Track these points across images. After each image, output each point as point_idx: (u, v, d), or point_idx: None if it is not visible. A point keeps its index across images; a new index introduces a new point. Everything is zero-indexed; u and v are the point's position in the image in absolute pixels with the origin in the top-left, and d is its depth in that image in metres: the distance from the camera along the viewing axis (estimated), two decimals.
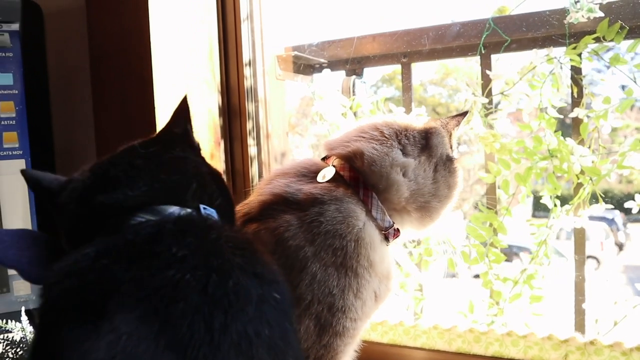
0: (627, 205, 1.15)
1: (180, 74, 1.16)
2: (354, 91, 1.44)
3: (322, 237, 0.78)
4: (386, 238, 0.85)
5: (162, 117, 1.11)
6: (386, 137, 0.85)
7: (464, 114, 0.93)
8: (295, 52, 1.40)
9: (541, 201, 1.26)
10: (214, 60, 1.25)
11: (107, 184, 0.64)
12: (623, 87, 1.16)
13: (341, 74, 1.47)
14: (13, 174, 1.13)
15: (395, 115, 1.03)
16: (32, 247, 0.68)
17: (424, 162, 0.86)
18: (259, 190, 0.85)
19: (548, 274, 1.24)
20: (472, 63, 1.54)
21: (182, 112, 0.71)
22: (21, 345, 1.05)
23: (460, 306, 1.30)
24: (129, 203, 0.62)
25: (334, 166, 0.84)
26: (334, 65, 1.44)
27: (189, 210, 0.63)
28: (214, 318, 0.50)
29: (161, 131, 0.72)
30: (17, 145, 1.14)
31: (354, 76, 1.46)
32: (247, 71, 1.28)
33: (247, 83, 1.28)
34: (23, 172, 0.70)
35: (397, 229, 0.85)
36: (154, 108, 1.10)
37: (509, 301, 1.25)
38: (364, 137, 0.85)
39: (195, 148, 0.73)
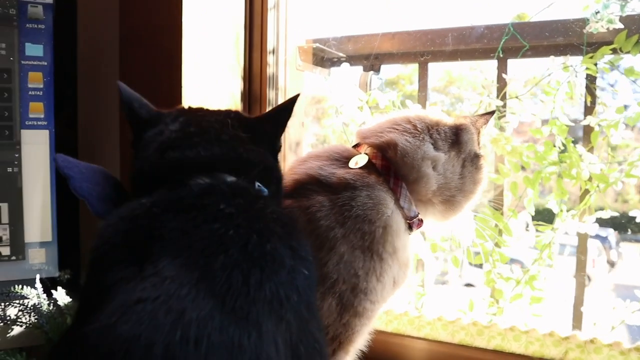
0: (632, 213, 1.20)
1: (208, 57, 1.18)
2: (370, 86, 1.47)
3: (352, 220, 0.81)
4: (410, 227, 0.88)
5: (188, 99, 1.13)
6: (419, 131, 0.88)
7: (492, 113, 0.97)
8: (317, 44, 1.43)
9: (547, 205, 1.31)
10: (239, 46, 1.28)
11: (186, 143, 0.67)
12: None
13: (359, 69, 1.50)
14: (36, 144, 1.14)
15: (427, 110, 1.06)
16: (103, 184, 0.73)
17: (453, 157, 0.89)
18: (293, 169, 0.88)
19: (549, 277, 1.29)
20: (477, 72, 1.59)
21: (284, 113, 0.75)
22: (36, 311, 1.06)
23: (460, 304, 1.34)
24: (197, 165, 0.65)
25: (366, 154, 0.87)
26: (352, 60, 1.47)
27: (245, 180, 0.66)
28: (251, 274, 0.53)
29: (257, 120, 0.75)
30: (42, 116, 1.15)
31: (371, 72, 1.49)
32: (270, 59, 1.30)
33: (270, 71, 1.30)
34: (119, 83, 0.74)
35: (421, 219, 0.88)
36: (181, 89, 1.12)
37: (510, 301, 1.29)
38: (397, 129, 0.88)
39: (276, 151, 0.76)
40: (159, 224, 0.56)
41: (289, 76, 1.36)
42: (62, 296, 1.08)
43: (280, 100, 1.35)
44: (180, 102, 1.12)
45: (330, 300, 0.81)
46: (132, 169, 0.70)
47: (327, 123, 1.55)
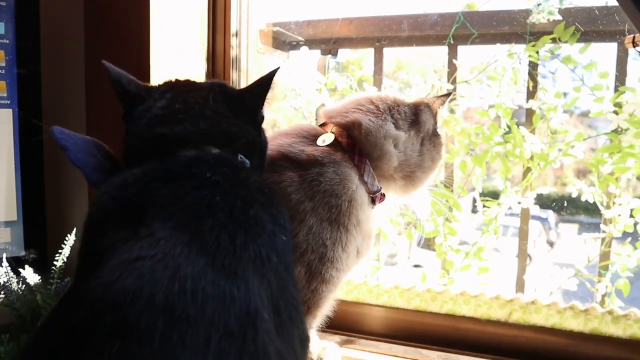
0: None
1: (174, 39, 1.20)
2: (328, 69, 1.53)
3: (320, 194, 0.87)
4: (373, 201, 0.95)
5: (155, 79, 1.15)
6: (381, 111, 0.95)
7: (448, 95, 1.04)
8: (277, 28, 1.47)
9: (493, 182, 1.42)
10: (204, 29, 1.30)
11: (173, 119, 0.71)
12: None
13: (317, 52, 1.55)
14: (0, 123, 1.14)
15: (387, 91, 1.13)
16: (96, 155, 0.76)
17: (413, 136, 0.96)
18: None
19: (495, 249, 1.40)
20: (425, 58, 1.67)
21: (263, 87, 0.78)
22: (5, 289, 1.07)
23: (413, 276, 1.44)
24: (184, 139, 0.70)
25: (332, 133, 0.93)
26: (311, 43, 1.52)
27: (228, 153, 0.71)
28: (237, 235, 0.59)
29: (238, 94, 0.79)
30: (5, 95, 1.14)
31: (329, 55, 1.55)
32: (233, 42, 1.33)
33: (233, 53, 1.34)
34: (104, 63, 0.76)
35: (383, 193, 0.95)
36: (149, 69, 1.14)
37: (460, 271, 1.40)
38: (361, 110, 0.95)
39: (259, 123, 0.80)
40: (151, 191, 0.61)
41: (251, 59, 1.40)
42: (30, 275, 1.09)
43: (243, 83, 1.38)
44: (147, 81, 1.14)
45: (299, 269, 0.87)
46: (124, 143, 0.74)
47: (278, 107, 1.60)
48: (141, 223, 0.57)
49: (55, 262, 1.09)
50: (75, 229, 1.12)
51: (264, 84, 0.78)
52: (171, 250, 0.53)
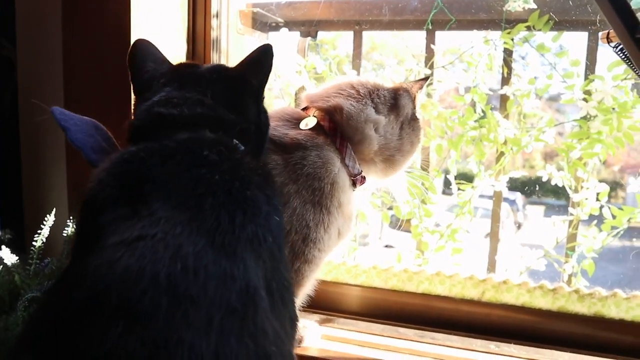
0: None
1: (154, 20, 1.19)
2: (307, 52, 1.54)
3: (304, 177, 0.89)
4: (354, 183, 0.97)
5: None
6: (361, 96, 0.97)
7: (426, 79, 1.07)
8: (257, 9, 1.47)
9: (468, 166, 1.45)
10: (184, 9, 1.29)
11: (171, 103, 0.72)
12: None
13: (296, 34, 1.55)
14: None
15: (367, 76, 1.14)
16: (95, 136, 0.77)
17: (393, 120, 0.99)
18: None
19: (469, 230, 1.44)
20: (399, 40, 1.69)
21: (265, 64, 0.78)
22: None
23: (385, 256, 1.47)
24: (181, 121, 0.70)
25: (315, 117, 0.95)
26: (291, 25, 1.52)
27: (223, 136, 0.72)
28: (235, 215, 0.60)
29: (240, 74, 0.79)
30: None
31: (309, 37, 1.55)
32: (214, 22, 1.33)
33: (213, 34, 1.33)
34: (138, 40, 0.79)
35: (364, 176, 0.98)
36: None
37: (434, 252, 1.44)
38: (342, 94, 0.96)
39: (260, 101, 0.80)
40: (148, 168, 0.61)
41: (231, 40, 1.40)
42: (7, 255, 1.08)
43: (223, 63, 1.38)
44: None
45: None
46: (128, 124, 0.74)
47: None
48: (140, 200, 0.57)
49: (34, 243, 1.08)
50: (54, 210, 1.11)
51: (260, 61, 0.78)
52: (172, 230, 0.54)
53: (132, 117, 0.75)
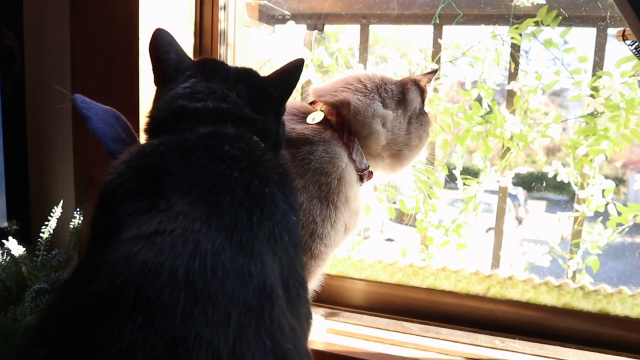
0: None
1: (162, 11, 1.19)
2: (314, 45, 1.53)
3: (311, 173, 0.89)
4: (361, 179, 0.97)
5: (144, 49, 1.14)
6: (369, 90, 0.97)
7: (434, 72, 1.06)
8: (264, 2, 1.46)
9: (473, 161, 1.45)
10: (192, 1, 1.29)
11: (196, 97, 0.71)
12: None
13: (303, 27, 1.55)
14: None
15: (374, 70, 1.14)
16: (115, 126, 0.76)
17: (400, 115, 0.98)
18: None
19: (472, 226, 1.44)
20: (401, 33, 1.68)
21: (291, 79, 0.78)
22: None
23: (386, 250, 1.48)
24: (204, 114, 0.70)
25: (322, 111, 0.95)
26: (297, 18, 1.51)
27: (245, 132, 0.71)
28: (253, 212, 0.59)
29: (267, 82, 0.78)
30: None
31: (315, 30, 1.55)
32: (221, 15, 1.32)
33: (221, 26, 1.33)
34: (159, 29, 0.76)
35: (371, 171, 0.98)
36: (138, 41, 1.13)
37: (439, 247, 1.44)
38: (349, 89, 0.96)
39: (280, 113, 0.80)
40: (168, 161, 0.61)
41: (238, 32, 1.39)
42: (14, 246, 1.09)
43: (230, 57, 1.38)
44: (136, 53, 1.13)
45: None
46: (148, 115, 0.74)
47: None
48: (159, 194, 0.57)
49: (41, 234, 1.09)
50: (61, 201, 1.12)
51: (288, 75, 0.78)
52: (190, 225, 0.54)
53: (153, 107, 0.74)
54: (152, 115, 0.73)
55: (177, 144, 0.64)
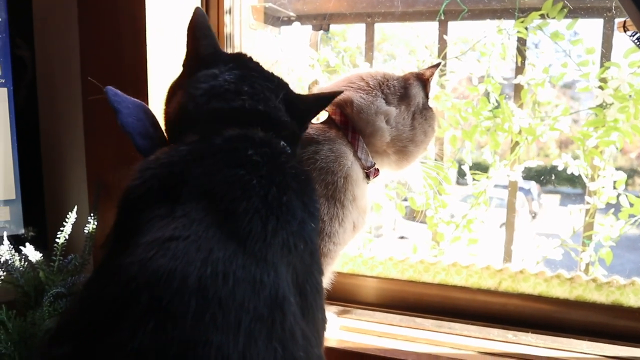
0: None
1: (169, 15, 1.21)
2: (320, 45, 1.54)
3: (317, 172, 0.90)
4: (367, 176, 0.98)
5: (152, 49, 1.16)
6: (371, 88, 0.97)
7: (437, 65, 1.06)
8: (269, 4, 1.48)
9: (482, 157, 1.45)
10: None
11: (236, 96, 0.72)
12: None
13: (308, 28, 1.56)
14: None
15: (377, 68, 1.15)
16: (144, 120, 0.75)
17: (404, 110, 0.99)
18: None
19: (485, 220, 1.44)
20: (409, 30, 1.68)
21: (320, 103, 0.82)
22: (8, 266, 1.09)
23: (399, 248, 1.48)
24: (237, 116, 0.70)
25: (326, 110, 0.96)
26: (302, 19, 1.53)
27: (273, 136, 0.72)
28: (268, 221, 0.60)
29: (298, 98, 0.80)
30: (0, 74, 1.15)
31: (321, 31, 1.56)
32: (226, 19, 1.34)
33: (227, 30, 1.34)
34: (198, 9, 0.78)
35: (377, 168, 0.98)
36: (146, 41, 1.14)
37: (450, 243, 1.44)
38: (352, 87, 0.97)
39: (303, 129, 0.82)
40: (189, 170, 0.62)
41: (244, 35, 1.41)
42: (31, 252, 1.11)
43: None
44: (144, 59, 1.15)
45: None
46: (178, 101, 0.74)
47: None
48: (177, 201, 0.58)
49: (57, 240, 1.11)
50: (75, 207, 1.14)
51: (323, 101, 0.82)
52: (204, 233, 0.55)
53: (185, 94, 0.73)
54: (184, 104, 0.72)
55: (203, 152, 0.64)
